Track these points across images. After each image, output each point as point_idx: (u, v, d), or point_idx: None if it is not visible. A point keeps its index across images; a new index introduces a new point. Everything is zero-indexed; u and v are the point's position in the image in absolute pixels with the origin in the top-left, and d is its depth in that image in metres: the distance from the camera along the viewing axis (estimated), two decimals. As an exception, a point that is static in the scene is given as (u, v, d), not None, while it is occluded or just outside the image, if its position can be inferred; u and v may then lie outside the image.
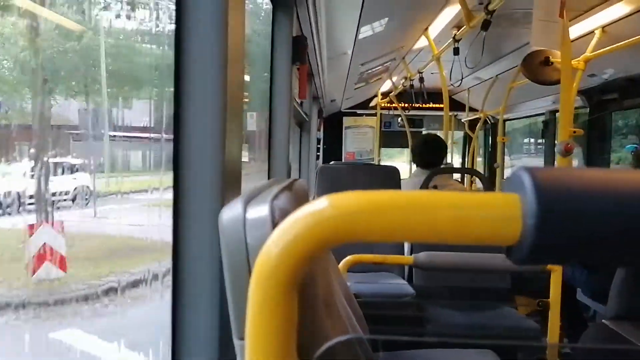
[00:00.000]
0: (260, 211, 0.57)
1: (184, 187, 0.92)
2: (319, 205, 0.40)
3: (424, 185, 3.03)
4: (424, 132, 7.91)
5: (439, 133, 5.54)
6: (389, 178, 3.48)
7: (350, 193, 0.41)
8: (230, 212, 0.58)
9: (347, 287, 1.45)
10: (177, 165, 0.92)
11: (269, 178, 2.02)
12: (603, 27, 3.36)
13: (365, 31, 3.14)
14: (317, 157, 6.67)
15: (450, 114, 5.92)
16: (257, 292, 0.41)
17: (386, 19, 3.04)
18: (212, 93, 0.91)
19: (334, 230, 0.40)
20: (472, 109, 6.64)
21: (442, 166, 3.52)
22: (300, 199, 0.79)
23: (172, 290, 0.92)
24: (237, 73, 0.99)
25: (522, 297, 3.85)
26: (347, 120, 8.03)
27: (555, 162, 2.10)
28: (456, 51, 3.28)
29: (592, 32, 3.45)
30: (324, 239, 0.40)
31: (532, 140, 7.48)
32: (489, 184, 3.20)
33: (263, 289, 0.41)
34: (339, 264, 1.87)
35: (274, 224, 0.61)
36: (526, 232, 0.37)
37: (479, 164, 7.97)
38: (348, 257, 2.03)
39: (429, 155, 3.49)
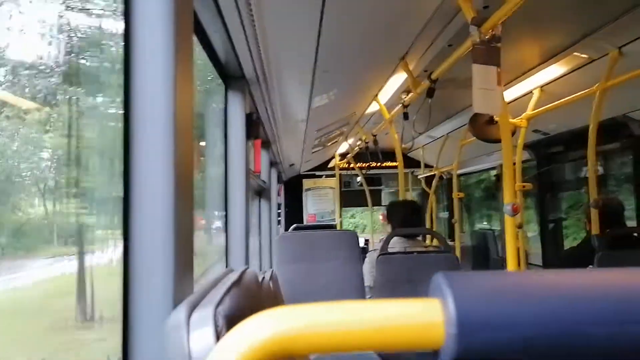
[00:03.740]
0: (203, 321, 0.55)
1: (132, 280, 0.88)
2: (245, 326, 0.40)
3: (384, 248, 3.04)
4: (383, 191, 8.02)
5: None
6: (348, 243, 3.50)
7: (281, 310, 0.41)
8: (174, 320, 0.57)
9: None
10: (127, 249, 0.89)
11: (226, 259, 1.99)
12: (541, 87, 3.58)
13: (319, 101, 3.23)
14: (279, 222, 6.61)
15: (406, 171, 6.04)
16: None
17: (335, 90, 3.15)
18: (160, 170, 0.89)
19: (265, 349, 0.40)
20: (427, 166, 6.81)
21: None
22: (250, 295, 0.78)
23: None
24: (186, 147, 0.97)
25: None
26: (307, 183, 8.05)
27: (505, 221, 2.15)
28: (406, 116, 3.39)
29: (531, 92, 3.66)
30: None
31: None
32: (445, 242, 3.23)
33: None
34: None
35: (218, 335, 0.60)
36: (449, 338, 0.37)
37: (443, 220, 8.10)
38: None
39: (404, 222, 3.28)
